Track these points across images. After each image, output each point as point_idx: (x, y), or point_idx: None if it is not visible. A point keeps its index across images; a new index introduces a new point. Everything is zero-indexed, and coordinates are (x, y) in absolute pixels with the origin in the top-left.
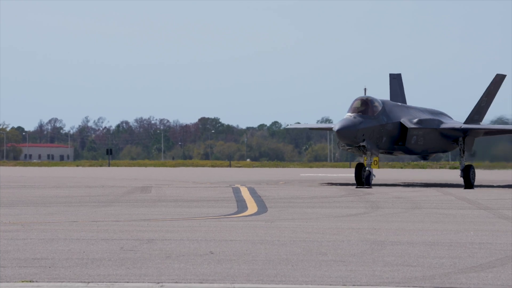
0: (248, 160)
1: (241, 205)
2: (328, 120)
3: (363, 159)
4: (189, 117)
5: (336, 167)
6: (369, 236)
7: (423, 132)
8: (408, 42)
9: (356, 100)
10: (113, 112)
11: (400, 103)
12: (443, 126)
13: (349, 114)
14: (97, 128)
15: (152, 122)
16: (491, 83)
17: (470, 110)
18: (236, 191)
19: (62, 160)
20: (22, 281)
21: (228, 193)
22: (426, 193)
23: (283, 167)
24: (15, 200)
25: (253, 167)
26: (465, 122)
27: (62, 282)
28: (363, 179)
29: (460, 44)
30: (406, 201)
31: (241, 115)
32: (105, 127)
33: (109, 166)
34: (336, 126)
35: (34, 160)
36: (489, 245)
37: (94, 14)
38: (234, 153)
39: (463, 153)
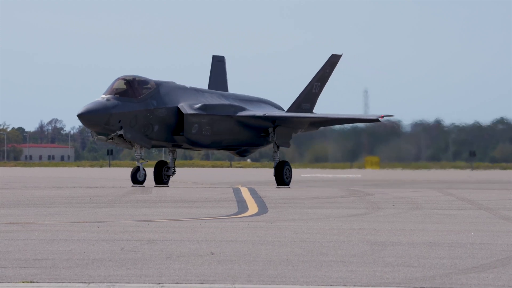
0: (248, 160)
1: (242, 206)
2: None
3: (171, 156)
4: None
5: (337, 168)
6: (369, 236)
7: (209, 120)
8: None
9: (117, 79)
10: None
11: (192, 87)
12: (241, 113)
13: (103, 96)
14: None
15: None
16: (325, 65)
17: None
18: (237, 192)
19: (62, 161)
20: (23, 282)
21: (229, 193)
22: (426, 193)
23: None
24: (15, 201)
25: (254, 167)
26: (288, 111)
27: (62, 282)
28: (164, 178)
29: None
30: (406, 201)
31: None
32: None
33: (109, 166)
34: (79, 109)
35: (35, 161)
36: (490, 246)
37: (95, 16)
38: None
39: (277, 147)
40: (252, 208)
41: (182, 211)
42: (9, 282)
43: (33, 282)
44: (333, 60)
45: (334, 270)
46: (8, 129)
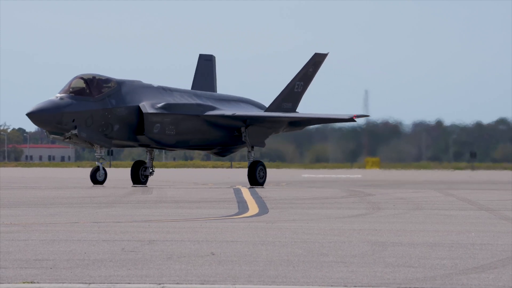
0: None
1: (242, 206)
2: None
3: (149, 156)
4: None
5: (338, 168)
6: (370, 237)
7: (173, 119)
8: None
9: (75, 78)
10: None
11: (160, 86)
12: (209, 113)
13: (57, 94)
14: None
15: None
16: (308, 64)
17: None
18: (237, 192)
19: (63, 161)
20: (23, 282)
21: (229, 194)
22: (427, 194)
23: (284, 167)
24: (16, 201)
25: None
26: (267, 110)
27: (63, 283)
28: (141, 178)
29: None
30: (407, 202)
31: None
32: None
33: (110, 167)
34: (29, 108)
35: (35, 161)
36: (490, 246)
37: (95, 16)
38: (235, 154)
39: (251, 147)
40: (253, 208)
41: (182, 211)
42: (9, 283)
43: (34, 282)
44: (317, 59)
45: (334, 270)
46: (9, 130)
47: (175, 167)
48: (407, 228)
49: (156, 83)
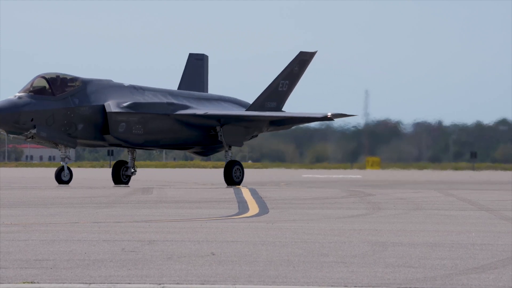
0: (249, 161)
1: (243, 206)
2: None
3: (130, 156)
4: None
5: (338, 168)
6: (370, 237)
7: (140, 118)
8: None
9: (36, 77)
10: None
11: (131, 85)
12: (180, 112)
13: (16, 94)
14: None
15: None
16: (292, 62)
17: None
18: (238, 192)
19: None
20: (24, 282)
21: (229, 194)
22: (427, 194)
23: (284, 167)
24: (16, 201)
25: (255, 168)
26: (248, 109)
27: (63, 283)
28: (122, 178)
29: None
30: (407, 202)
31: None
32: None
33: (110, 167)
34: None
35: (36, 161)
36: (491, 246)
37: (95, 16)
38: (236, 154)
39: (228, 147)
40: (253, 208)
41: (182, 211)
42: (9, 283)
43: (34, 282)
44: (303, 58)
45: (335, 270)
46: None
47: (175, 167)
48: (407, 228)
49: (133, 82)
